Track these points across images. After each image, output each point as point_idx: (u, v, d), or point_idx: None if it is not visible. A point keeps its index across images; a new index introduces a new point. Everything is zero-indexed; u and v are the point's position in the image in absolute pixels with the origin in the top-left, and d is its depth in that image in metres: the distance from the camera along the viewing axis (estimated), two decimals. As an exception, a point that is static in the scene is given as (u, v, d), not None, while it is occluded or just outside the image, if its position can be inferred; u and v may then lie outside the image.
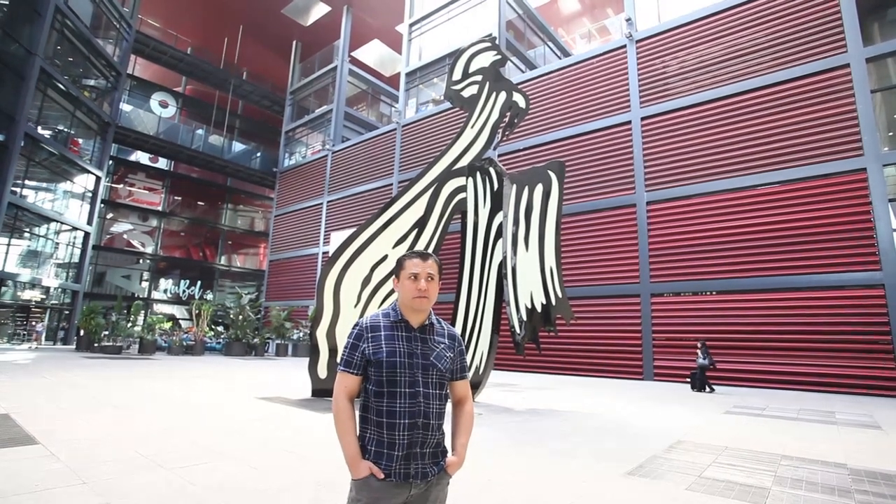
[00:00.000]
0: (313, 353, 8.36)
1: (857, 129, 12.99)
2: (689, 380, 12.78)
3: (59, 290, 23.35)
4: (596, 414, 7.83)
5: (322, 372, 8.29)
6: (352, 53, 34.34)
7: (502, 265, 8.91)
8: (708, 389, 12.00)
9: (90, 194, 24.66)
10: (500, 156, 19.56)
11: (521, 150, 19.68)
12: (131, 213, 33.39)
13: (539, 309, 8.80)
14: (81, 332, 18.62)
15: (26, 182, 20.99)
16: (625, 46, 17.87)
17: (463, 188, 9.56)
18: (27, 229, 21.63)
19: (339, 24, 33.19)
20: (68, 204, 23.75)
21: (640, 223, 16.10)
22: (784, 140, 14.03)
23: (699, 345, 12.37)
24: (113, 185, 32.32)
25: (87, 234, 24.28)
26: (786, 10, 14.72)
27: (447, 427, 1.70)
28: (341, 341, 8.07)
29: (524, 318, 8.61)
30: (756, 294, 13.71)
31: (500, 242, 9.26)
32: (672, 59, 16.68)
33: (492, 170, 9.68)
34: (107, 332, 19.59)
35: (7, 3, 19.63)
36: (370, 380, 1.60)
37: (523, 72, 23.72)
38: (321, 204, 29.24)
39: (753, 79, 14.83)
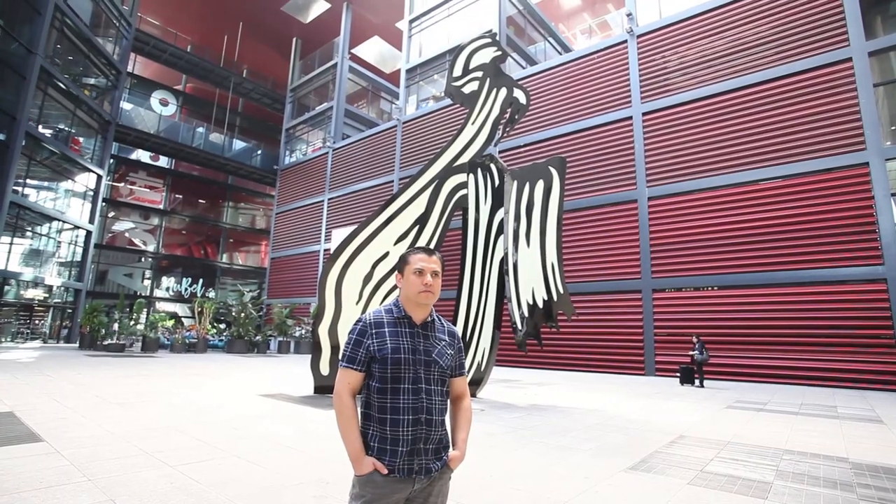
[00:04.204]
0: (315, 350, 8.38)
1: (860, 123, 12.93)
2: (678, 374, 12.77)
3: (62, 288, 23.41)
4: (597, 409, 7.84)
5: (324, 369, 8.31)
6: (352, 50, 34.24)
7: (503, 261, 8.91)
8: (698, 384, 12.02)
9: (91, 193, 24.67)
10: (500, 152, 19.53)
11: (522, 147, 19.64)
12: (133, 211, 33.42)
13: (540, 305, 8.80)
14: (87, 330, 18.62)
15: (28, 181, 21.00)
16: (625, 42, 17.80)
17: (464, 185, 9.56)
18: (29, 228, 21.67)
19: (338, 21, 33.08)
20: (70, 203, 23.77)
21: (641, 219, 16.07)
22: (786, 135, 13.98)
23: (695, 339, 12.37)
24: (114, 184, 32.32)
25: (88, 233, 24.31)
26: (787, 4, 14.63)
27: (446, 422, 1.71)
28: (343, 338, 8.07)
29: (526, 314, 8.61)
30: (758, 289, 13.69)
31: (501, 239, 9.26)
32: (673, 55, 16.60)
33: (493, 166, 9.67)
34: (110, 331, 19.64)
35: (7, 2, 19.59)
36: (373, 376, 1.60)
37: (524, 68, 23.64)
38: (322, 201, 29.23)
39: (755, 73, 14.76)
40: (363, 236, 8.80)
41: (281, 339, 23.70)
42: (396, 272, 1.76)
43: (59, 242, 23.56)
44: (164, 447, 4.39)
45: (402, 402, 1.56)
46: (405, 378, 1.57)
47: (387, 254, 8.78)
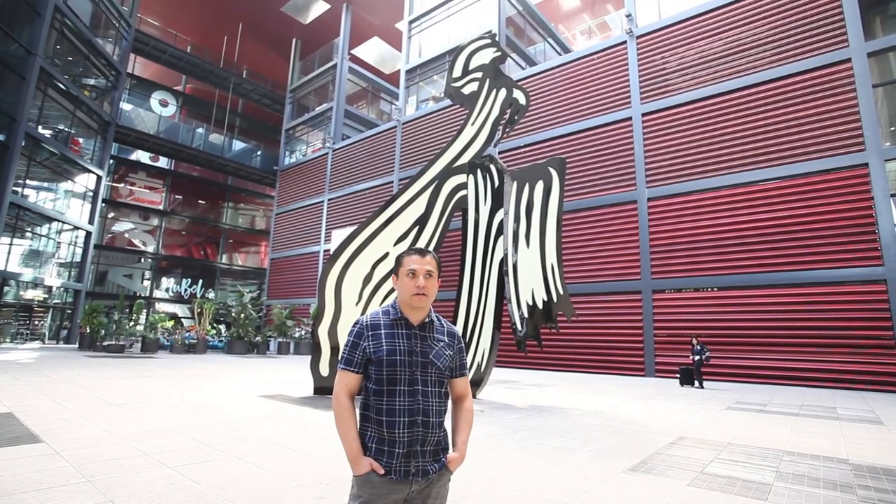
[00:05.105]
0: (315, 351, 8.38)
1: (859, 124, 12.94)
2: (678, 375, 12.78)
3: (62, 289, 23.40)
4: (597, 410, 7.84)
5: (324, 370, 8.31)
6: (351, 51, 34.26)
7: (503, 262, 8.91)
8: (697, 385, 12.02)
9: (91, 194, 24.67)
10: (500, 153, 19.54)
11: (522, 147, 19.64)
12: (132, 212, 33.41)
13: (540, 306, 8.80)
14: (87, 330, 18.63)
15: (27, 182, 20.99)
16: (625, 42, 17.81)
17: (464, 185, 9.56)
18: (29, 229, 21.65)
19: (338, 22, 33.11)
20: (69, 203, 23.77)
21: (641, 219, 16.08)
22: (785, 135, 13.99)
23: (694, 341, 12.36)
24: (114, 185, 32.32)
25: (88, 234, 24.30)
26: (787, 5, 14.64)
27: (447, 424, 1.71)
28: (343, 339, 8.06)
29: (525, 314, 8.61)
30: (757, 290, 13.69)
31: (501, 239, 9.26)
32: (672, 55, 16.62)
33: (492, 167, 9.67)
34: (110, 332, 19.63)
35: (7, 2, 19.59)
36: (370, 378, 1.61)
37: (523, 68, 23.65)
38: (322, 202, 29.23)
39: (754, 74, 14.77)
40: (363, 237, 8.79)
41: (281, 339, 23.70)
42: (393, 274, 1.75)
43: (59, 243, 23.55)
44: (163, 448, 4.38)
45: (398, 403, 1.55)
46: (401, 380, 1.57)
47: (386, 254, 8.78)
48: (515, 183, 9.10)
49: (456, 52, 9.99)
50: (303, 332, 23.85)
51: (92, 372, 10.87)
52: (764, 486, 3.85)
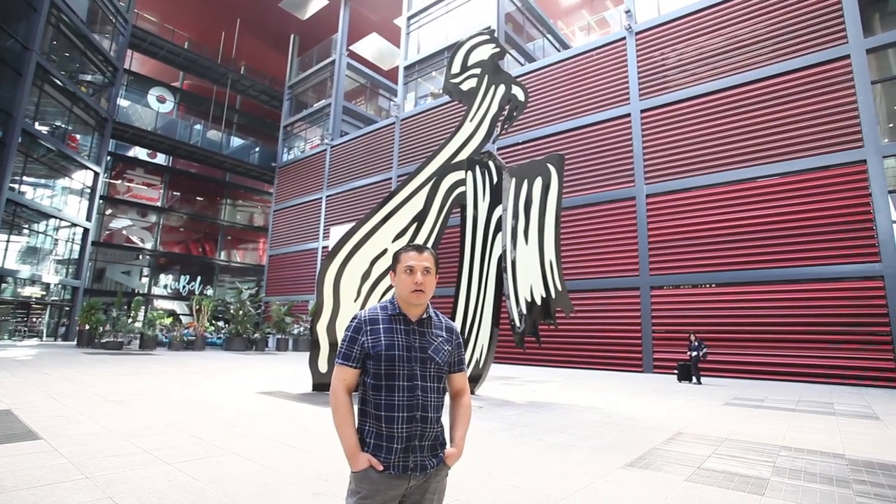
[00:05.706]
0: (313, 347, 8.39)
1: (857, 120, 12.94)
2: (675, 371, 12.82)
3: (60, 286, 23.35)
4: (595, 406, 7.86)
5: (322, 366, 8.31)
6: (350, 47, 34.11)
7: (502, 259, 8.91)
8: (695, 381, 12.06)
9: (89, 190, 24.59)
10: (499, 149, 19.51)
11: (521, 144, 19.62)
12: (130, 208, 33.32)
13: (539, 302, 8.81)
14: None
15: (24, 178, 20.91)
16: (624, 39, 17.77)
17: (462, 182, 9.55)
18: (26, 226, 21.59)
19: (336, 18, 32.95)
20: (67, 200, 23.70)
21: (639, 216, 16.08)
22: (784, 132, 13.99)
23: (692, 338, 12.39)
24: (111, 181, 32.22)
25: (86, 231, 24.25)
26: (786, 1, 14.61)
27: (445, 419, 1.71)
28: (341, 335, 8.06)
29: (524, 311, 8.62)
30: (756, 286, 13.72)
31: (499, 236, 9.25)
32: (671, 52, 16.59)
33: (491, 163, 9.65)
34: (108, 328, 19.60)
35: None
36: (368, 373, 1.60)
37: (522, 64, 23.59)
38: (320, 198, 29.19)
39: (753, 70, 14.76)
40: (361, 233, 8.79)
41: (279, 336, 23.70)
42: (391, 270, 1.75)
43: (57, 240, 23.49)
44: (162, 445, 4.39)
45: (396, 399, 1.55)
46: (399, 375, 1.57)
47: (385, 251, 8.77)
48: (514, 179, 9.09)
49: (454, 48, 9.96)
50: (301, 329, 23.85)
51: (90, 369, 10.87)
52: (761, 480, 3.87)
